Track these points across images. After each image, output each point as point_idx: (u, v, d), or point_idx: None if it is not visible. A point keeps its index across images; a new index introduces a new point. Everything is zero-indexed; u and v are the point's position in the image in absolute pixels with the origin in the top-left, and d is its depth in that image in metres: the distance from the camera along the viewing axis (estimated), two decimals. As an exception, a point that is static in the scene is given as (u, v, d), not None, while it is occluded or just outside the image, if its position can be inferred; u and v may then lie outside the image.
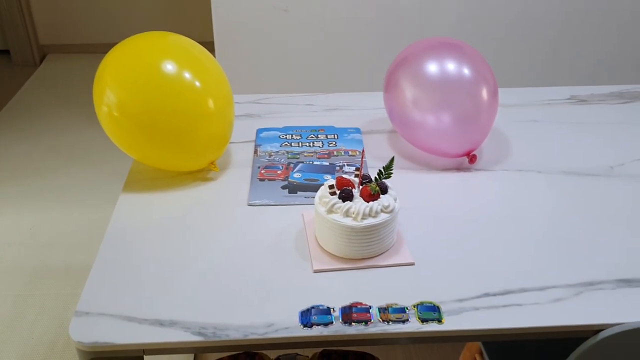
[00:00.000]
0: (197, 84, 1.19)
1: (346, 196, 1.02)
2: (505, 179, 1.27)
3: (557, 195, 1.21)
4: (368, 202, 1.02)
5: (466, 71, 1.25)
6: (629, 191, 1.23)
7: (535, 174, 1.28)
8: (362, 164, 1.04)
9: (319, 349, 1.20)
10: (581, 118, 1.50)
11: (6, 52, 3.78)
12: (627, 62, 2.26)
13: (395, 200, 1.04)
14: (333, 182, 1.06)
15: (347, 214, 1.01)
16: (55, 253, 2.27)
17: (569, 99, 1.60)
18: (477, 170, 1.30)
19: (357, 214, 1.00)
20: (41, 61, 3.77)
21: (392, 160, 1.07)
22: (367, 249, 1.02)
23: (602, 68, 2.25)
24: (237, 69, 2.11)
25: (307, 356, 1.16)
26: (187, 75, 1.18)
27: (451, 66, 1.26)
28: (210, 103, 1.20)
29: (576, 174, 1.28)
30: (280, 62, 2.12)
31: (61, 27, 3.79)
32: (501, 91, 1.60)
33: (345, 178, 1.05)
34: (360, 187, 1.04)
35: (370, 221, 1.00)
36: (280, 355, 1.17)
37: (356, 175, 1.07)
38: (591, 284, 0.99)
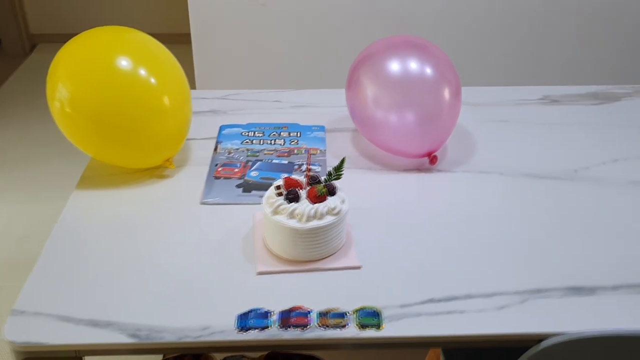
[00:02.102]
0: (153, 80, 1.17)
1: (293, 197, 1.01)
2: (466, 181, 1.25)
3: (516, 199, 1.19)
4: (314, 203, 1.00)
5: (428, 70, 1.23)
6: (591, 196, 1.21)
7: (497, 176, 1.26)
8: (308, 163, 1.02)
9: (266, 352, 1.19)
10: (552, 119, 1.48)
11: (-4, 41, 3.78)
12: (609, 63, 2.23)
13: (342, 202, 1.03)
14: (281, 182, 1.04)
15: (292, 215, 0.99)
16: (30, 245, 2.26)
17: (541, 99, 1.57)
18: (438, 171, 1.28)
19: (302, 215, 0.98)
20: (31, 50, 3.77)
21: (342, 161, 1.06)
22: (312, 251, 1.01)
23: (584, 68, 2.22)
24: (214, 62, 2.09)
25: (254, 359, 1.15)
26: (142, 71, 1.16)
27: (413, 65, 1.23)
28: (166, 100, 1.18)
29: (538, 177, 1.26)
30: (257, 57, 2.10)
31: (52, 16, 3.78)
32: (473, 90, 1.59)
33: (293, 178, 1.04)
34: (308, 188, 1.03)
35: (315, 223, 0.98)
36: (226, 357, 1.16)
37: (307, 176, 1.05)
38: (538, 291, 0.98)
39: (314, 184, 1.03)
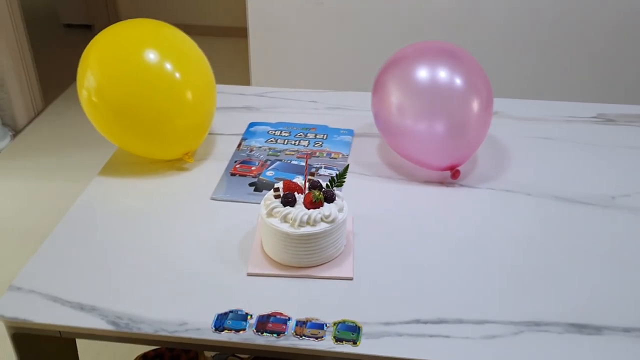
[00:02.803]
0: (177, 75, 1.19)
1: (288, 201, 0.99)
2: (488, 198, 1.18)
3: (538, 223, 1.11)
4: (309, 209, 0.98)
5: (457, 81, 1.18)
6: (624, 226, 1.11)
7: (524, 196, 1.19)
8: (306, 168, 1.00)
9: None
10: (601, 139, 1.37)
11: (89, 27, 3.98)
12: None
13: (340, 210, 1.00)
14: (280, 185, 1.02)
15: (285, 219, 0.97)
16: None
17: (594, 117, 1.47)
18: (461, 186, 1.22)
19: (295, 220, 0.96)
20: (120, 37, 3.95)
21: (345, 168, 1.03)
22: (304, 257, 0.98)
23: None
24: (268, 57, 2.10)
25: (243, 358, 1.15)
26: (167, 65, 1.18)
27: (442, 74, 1.18)
28: (189, 95, 1.20)
29: (569, 201, 1.17)
30: (311, 55, 2.09)
31: (142, 5, 3.94)
32: (520, 103, 1.51)
33: (292, 182, 1.02)
34: (306, 193, 1.00)
35: (307, 229, 0.96)
36: (215, 354, 1.16)
37: (307, 180, 1.03)
38: (537, 324, 0.91)
39: (313, 189, 1.01)
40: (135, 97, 1.16)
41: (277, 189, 1.02)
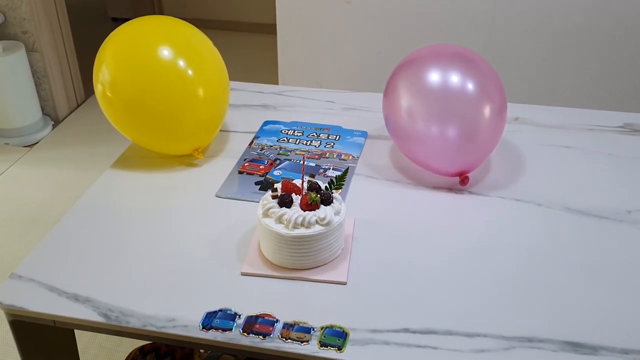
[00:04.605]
0: (190, 72, 1.20)
1: (285, 202, 0.98)
2: (497, 207, 1.15)
3: (545, 234, 1.08)
4: (304, 211, 0.97)
5: (469, 85, 1.15)
6: (636, 242, 1.06)
7: (534, 206, 1.15)
8: (303, 169, 0.99)
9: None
10: (625, 150, 1.32)
11: (134, 21, 4.07)
12: None
13: (337, 213, 0.99)
14: (279, 185, 1.02)
15: (280, 220, 0.97)
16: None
17: (620, 126, 1.41)
18: (469, 193, 1.19)
19: (289, 222, 0.96)
20: (163, 32, 4.02)
21: (345, 171, 1.02)
22: (297, 259, 0.98)
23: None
24: (296, 55, 2.10)
25: (236, 357, 1.15)
26: (181, 62, 1.20)
27: (453, 77, 1.16)
28: (200, 92, 1.20)
29: (581, 213, 1.13)
30: (338, 54, 2.08)
31: (185, 1, 4.00)
32: (544, 109, 1.47)
33: (291, 183, 1.01)
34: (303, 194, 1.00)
35: (301, 231, 0.96)
36: (209, 353, 1.17)
37: (307, 182, 1.02)
38: (530, 340, 0.88)
39: (310, 191, 1.00)
40: (147, 92, 1.18)
41: (275, 189, 1.01)
